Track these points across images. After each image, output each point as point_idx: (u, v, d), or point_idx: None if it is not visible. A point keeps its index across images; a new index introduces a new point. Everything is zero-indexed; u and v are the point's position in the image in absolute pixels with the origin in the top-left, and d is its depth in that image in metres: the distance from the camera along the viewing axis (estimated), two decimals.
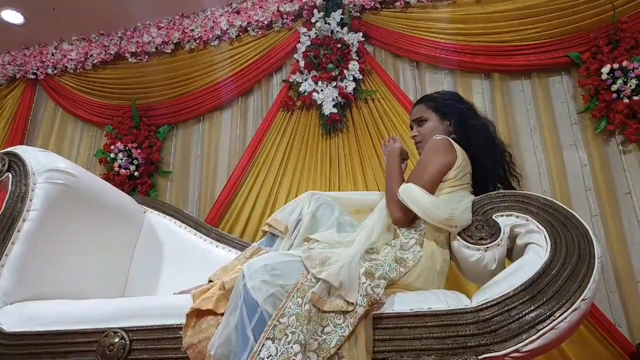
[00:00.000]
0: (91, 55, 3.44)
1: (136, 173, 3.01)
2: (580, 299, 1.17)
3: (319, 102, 2.83)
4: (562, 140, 2.53)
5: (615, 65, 2.39)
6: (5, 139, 3.46)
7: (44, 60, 3.55)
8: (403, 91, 2.79)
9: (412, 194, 1.40)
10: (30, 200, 1.69)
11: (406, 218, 1.45)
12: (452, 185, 1.48)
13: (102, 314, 1.49)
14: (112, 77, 3.39)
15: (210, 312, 1.35)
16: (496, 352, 1.16)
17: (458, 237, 1.38)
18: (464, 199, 1.45)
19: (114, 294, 2.02)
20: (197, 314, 1.35)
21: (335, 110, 2.78)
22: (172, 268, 2.16)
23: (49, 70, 3.54)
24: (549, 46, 2.59)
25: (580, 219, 1.33)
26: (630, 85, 2.35)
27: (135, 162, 3.02)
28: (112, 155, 3.04)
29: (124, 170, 3.00)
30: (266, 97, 3.09)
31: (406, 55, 2.88)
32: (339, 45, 2.88)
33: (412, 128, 1.78)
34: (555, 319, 1.15)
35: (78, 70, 3.48)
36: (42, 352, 1.47)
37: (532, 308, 1.17)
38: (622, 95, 2.37)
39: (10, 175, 1.74)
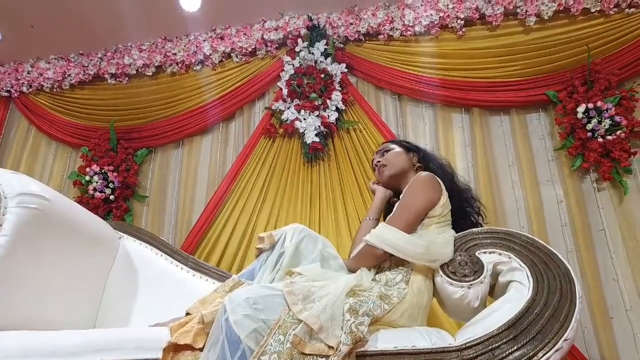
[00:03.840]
0: (69, 75, 3.38)
1: (112, 196, 2.94)
2: (563, 339, 1.18)
3: (301, 130, 2.84)
4: (539, 176, 2.59)
5: (590, 105, 2.47)
6: None
7: (19, 77, 3.47)
8: (384, 122, 2.82)
9: (380, 237, 1.41)
10: (0, 225, 1.62)
11: (378, 261, 1.47)
12: (439, 222, 1.49)
13: (72, 347, 1.41)
14: (90, 97, 3.33)
15: (188, 347, 1.29)
16: None
17: (442, 274, 1.38)
18: (442, 234, 1.45)
19: (84, 323, 1.94)
20: (174, 349, 1.30)
21: (317, 139, 2.79)
22: (146, 297, 2.09)
23: (24, 88, 3.45)
24: (528, 84, 2.68)
25: (561, 258, 1.35)
26: (605, 125, 2.43)
27: (111, 185, 2.95)
28: (87, 177, 2.97)
29: (99, 194, 2.92)
30: (248, 124, 3.08)
31: (388, 87, 2.93)
32: (322, 75, 2.91)
33: (373, 161, 1.85)
34: (539, 359, 1.15)
35: (55, 90, 3.41)
36: None
37: (515, 348, 1.17)
38: (596, 135, 2.45)
39: None
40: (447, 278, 1.36)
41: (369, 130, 2.80)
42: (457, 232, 1.54)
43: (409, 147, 1.79)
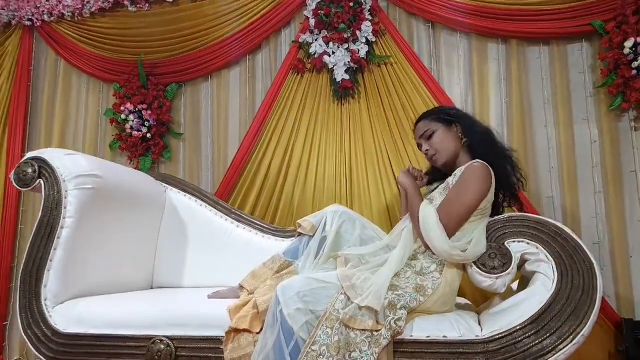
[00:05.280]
0: (88, 2, 3.28)
1: (148, 135, 3.03)
2: (580, 334, 1.32)
3: (330, 65, 2.78)
4: (574, 114, 2.54)
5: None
6: (9, 91, 3.40)
7: (38, 5, 3.38)
8: (417, 55, 2.72)
9: (427, 227, 1.49)
10: (65, 207, 1.78)
11: None
12: (479, 214, 1.55)
13: (148, 321, 1.64)
14: (112, 26, 3.25)
15: (246, 330, 1.50)
16: None
17: (472, 264, 1.49)
18: (477, 227, 1.53)
19: (144, 279, 2.19)
20: (234, 330, 1.51)
21: (347, 77, 2.74)
22: (195, 249, 2.31)
23: (45, 17, 3.38)
24: (573, 11, 2.48)
25: (587, 251, 1.43)
26: None
27: (146, 123, 3.03)
28: (122, 116, 3.04)
29: (136, 132, 3.02)
30: (275, 56, 3.01)
31: (420, 14, 2.77)
32: (351, 4, 2.75)
33: (420, 146, 1.82)
34: (556, 353, 1.31)
35: (76, 18, 3.32)
36: (97, 352, 1.65)
37: (536, 342, 1.33)
38: None
39: (42, 182, 1.80)
40: (477, 269, 1.48)
41: (401, 64, 2.73)
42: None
43: (449, 119, 1.76)
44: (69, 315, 1.71)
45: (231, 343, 1.50)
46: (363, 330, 1.36)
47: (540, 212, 2.47)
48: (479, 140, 1.71)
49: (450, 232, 1.51)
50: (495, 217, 1.58)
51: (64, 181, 1.79)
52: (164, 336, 1.60)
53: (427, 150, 1.77)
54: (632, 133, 2.46)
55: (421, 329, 1.42)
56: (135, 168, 3.07)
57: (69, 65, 3.38)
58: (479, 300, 2.18)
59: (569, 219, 2.46)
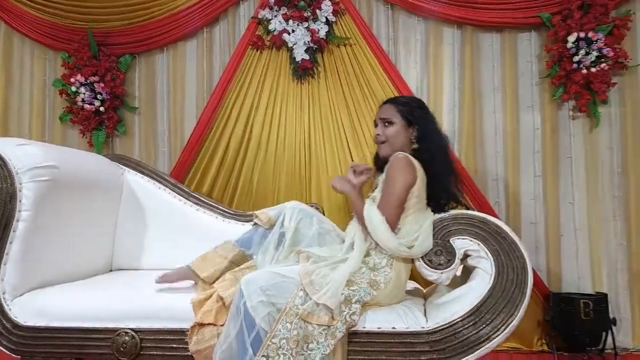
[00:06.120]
0: None
1: (101, 108, 2.95)
2: (512, 325, 1.50)
3: (290, 44, 2.77)
4: (520, 102, 2.68)
5: (582, 34, 2.45)
6: None
7: None
8: (375, 37, 2.76)
9: (374, 227, 1.61)
10: (20, 200, 1.75)
11: None
12: (415, 205, 1.66)
13: (112, 313, 1.69)
14: None
15: (211, 323, 1.59)
16: None
17: (420, 259, 1.62)
18: (423, 223, 1.64)
19: (105, 264, 2.22)
20: (199, 325, 1.60)
21: (307, 57, 2.75)
22: (155, 232, 2.34)
23: None
24: (526, 2, 2.59)
25: (522, 249, 1.59)
26: (591, 57, 2.46)
27: (99, 97, 2.93)
28: (73, 88, 2.93)
29: (88, 106, 2.93)
30: (233, 30, 2.96)
31: None
32: None
33: (376, 125, 1.87)
34: (490, 342, 1.49)
35: None
36: (61, 344, 1.69)
37: (474, 332, 1.50)
38: (581, 66, 2.49)
39: None
40: (424, 264, 1.61)
41: (360, 45, 2.76)
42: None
43: (412, 120, 1.80)
44: (29, 308, 1.73)
45: (196, 336, 1.59)
46: (320, 325, 1.48)
47: (486, 193, 2.65)
48: (427, 150, 1.76)
49: (391, 224, 1.62)
50: (443, 215, 1.70)
51: (17, 174, 1.75)
52: (129, 329, 1.66)
53: (378, 135, 1.83)
54: (570, 122, 2.64)
55: (373, 321, 1.55)
56: (88, 142, 3.01)
57: (10, 29, 3.17)
58: (427, 282, 2.35)
59: (511, 200, 2.66)
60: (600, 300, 2.37)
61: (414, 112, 1.81)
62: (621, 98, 2.60)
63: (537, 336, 2.56)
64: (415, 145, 1.78)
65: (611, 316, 2.39)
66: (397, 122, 1.81)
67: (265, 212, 1.90)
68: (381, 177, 1.80)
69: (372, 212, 1.65)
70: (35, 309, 1.73)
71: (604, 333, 2.37)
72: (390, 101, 1.89)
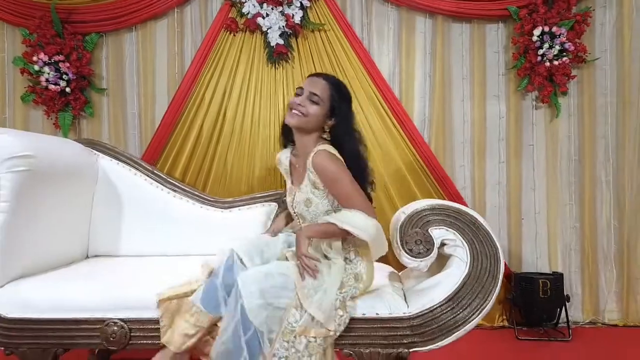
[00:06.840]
0: None
1: (67, 89, 2.84)
2: (486, 309, 1.62)
3: (264, 28, 2.76)
4: (488, 90, 2.81)
5: (546, 29, 2.58)
6: None
7: None
8: (349, 24, 2.79)
9: (368, 228, 1.61)
10: None
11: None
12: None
13: (100, 304, 1.69)
14: None
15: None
16: (422, 347, 1.62)
17: (401, 248, 1.71)
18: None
19: (82, 251, 2.21)
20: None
21: (281, 42, 2.75)
22: (132, 218, 2.32)
23: None
24: None
25: (494, 239, 1.71)
26: (554, 51, 2.59)
27: (65, 77, 2.83)
28: (35, 67, 2.80)
29: (53, 86, 2.82)
30: (205, 11, 2.90)
31: None
32: None
33: (301, 91, 1.70)
34: (467, 324, 1.61)
35: None
36: (48, 335, 1.68)
37: (452, 317, 1.61)
38: (545, 59, 2.62)
39: None
40: (404, 253, 1.70)
41: (334, 31, 2.78)
42: None
43: (336, 112, 1.70)
44: (12, 300, 1.70)
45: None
46: (318, 337, 1.53)
47: (454, 179, 2.78)
48: (335, 140, 1.72)
49: (368, 210, 1.63)
50: (422, 205, 1.79)
51: None
52: (117, 319, 1.67)
53: (299, 105, 1.67)
54: (533, 112, 2.79)
55: (358, 308, 1.64)
56: (54, 124, 2.91)
57: None
58: (402, 266, 2.47)
59: (477, 185, 2.80)
60: (557, 279, 2.57)
61: (341, 105, 1.71)
62: (579, 90, 2.77)
63: (498, 313, 2.75)
64: (326, 136, 1.74)
65: (565, 293, 2.61)
66: (322, 105, 1.68)
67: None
68: (305, 184, 1.73)
69: (357, 217, 1.60)
70: (20, 301, 1.71)
71: (558, 309, 2.58)
72: (327, 79, 1.73)
